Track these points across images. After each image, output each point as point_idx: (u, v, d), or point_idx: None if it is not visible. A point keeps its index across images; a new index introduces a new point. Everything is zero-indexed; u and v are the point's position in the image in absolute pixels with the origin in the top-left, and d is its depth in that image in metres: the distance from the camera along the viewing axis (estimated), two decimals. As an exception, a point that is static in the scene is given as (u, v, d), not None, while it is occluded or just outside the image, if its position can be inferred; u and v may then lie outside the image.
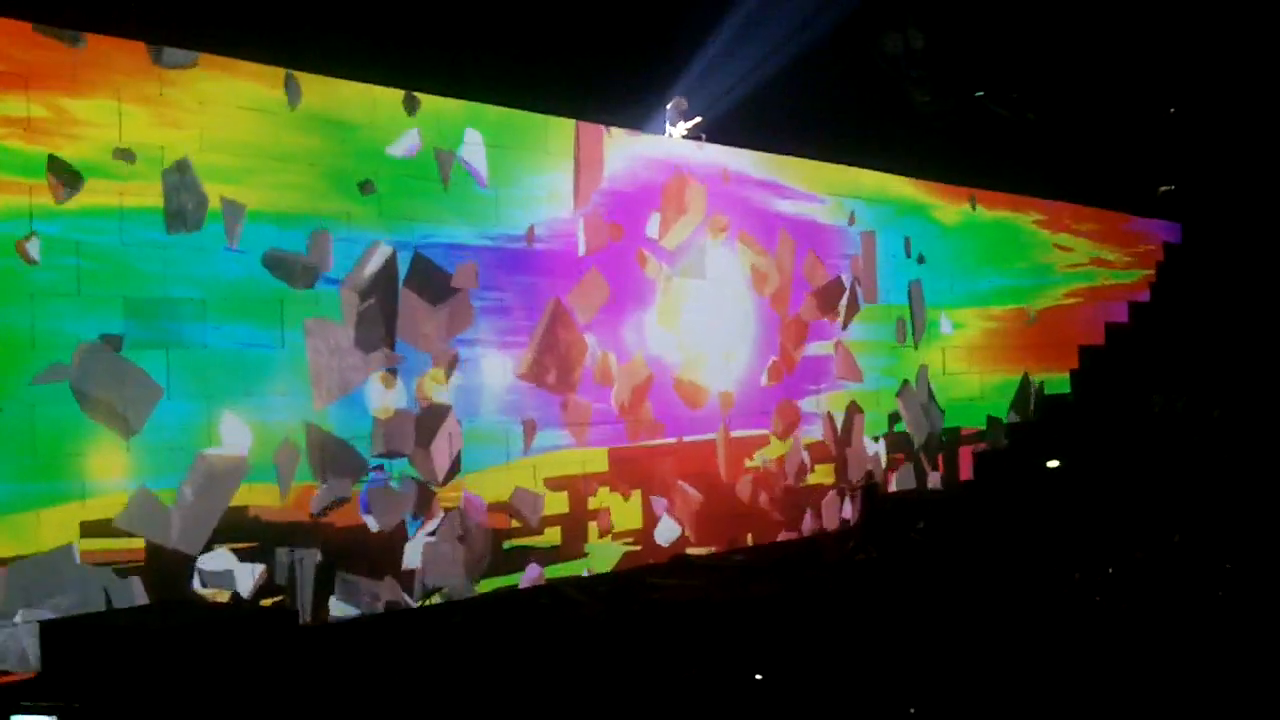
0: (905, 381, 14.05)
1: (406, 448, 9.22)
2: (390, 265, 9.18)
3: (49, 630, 6.13)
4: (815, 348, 12.89)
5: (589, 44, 11.23)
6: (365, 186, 9.07)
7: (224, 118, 8.31)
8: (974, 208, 15.31)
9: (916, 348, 14.26)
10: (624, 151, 11.10)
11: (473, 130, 9.81)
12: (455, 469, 9.53)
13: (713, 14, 12.57)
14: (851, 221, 13.49)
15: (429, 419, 9.38)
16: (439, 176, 9.56)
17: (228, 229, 8.24)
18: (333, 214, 8.88)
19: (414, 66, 9.58)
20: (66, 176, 7.46)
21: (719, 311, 11.91)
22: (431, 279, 9.45)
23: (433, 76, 9.65)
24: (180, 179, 8.00)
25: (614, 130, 11.01)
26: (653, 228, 11.30)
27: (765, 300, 12.40)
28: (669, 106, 11.90)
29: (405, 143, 9.35)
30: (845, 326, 13.26)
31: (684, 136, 11.86)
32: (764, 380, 12.27)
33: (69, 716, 5.42)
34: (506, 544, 9.86)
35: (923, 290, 14.34)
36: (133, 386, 7.74)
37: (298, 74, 8.76)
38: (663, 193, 11.42)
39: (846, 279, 13.31)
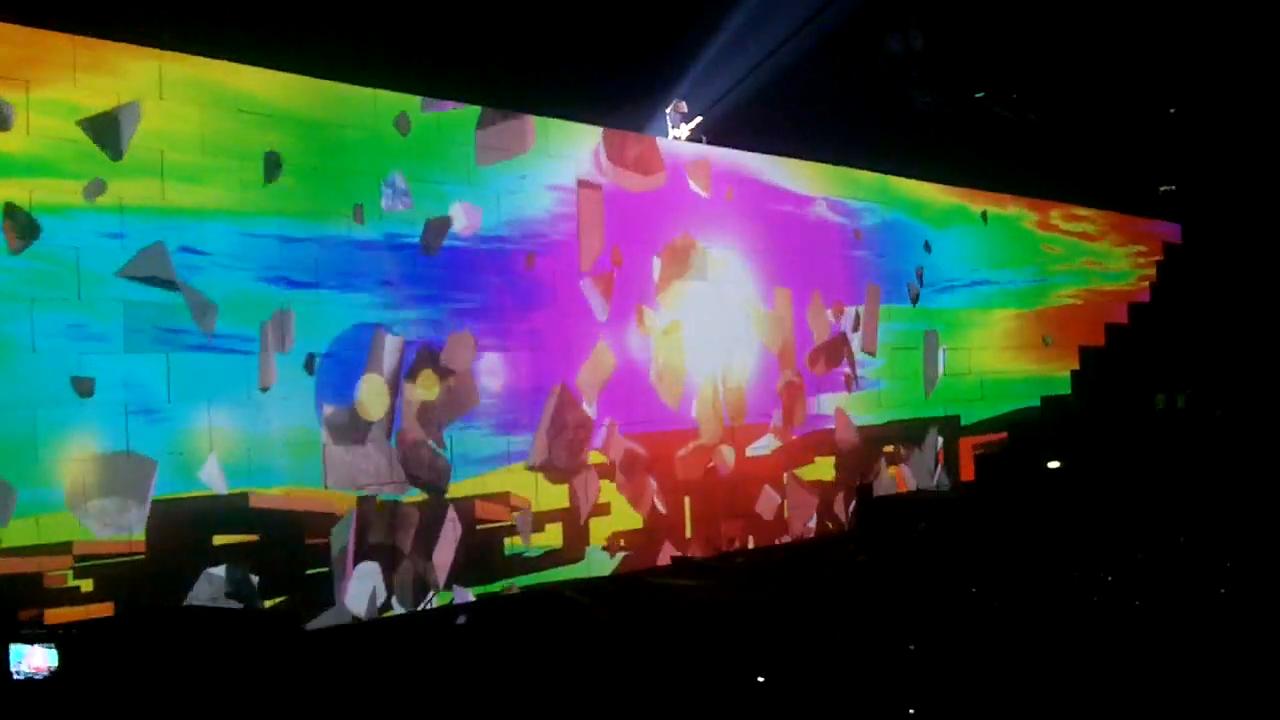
0: (914, 447, 14.08)
1: (405, 544, 9.16)
2: (397, 355, 9.17)
3: (66, 638, 6.14)
4: (820, 403, 12.82)
5: (592, 47, 11.22)
6: (358, 212, 9.06)
7: (220, 121, 8.33)
8: (985, 221, 15.34)
9: (928, 398, 14.27)
10: (626, 205, 11.03)
11: (460, 204, 9.72)
12: (456, 568, 9.51)
13: (713, 17, 12.55)
14: (858, 236, 13.51)
15: (431, 518, 9.35)
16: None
17: (197, 315, 8.10)
18: (332, 221, 8.91)
19: (412, 69, 9.59)
20: (22, 227, 7.36)
21: (721, 373, 11.82)
22: (432, 364, 9.42)
23: (431, 79, 9.66)
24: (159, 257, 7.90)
25: (615, 182, 10.95)
26: (655, 287, 11.23)
27: (771, 360, 12.33)
28: (669, 110, 11.90)
29: (396, 202, 9.31)
30: (855, 380, 13.24)
31: (687, 139, 11.86)
32: (768, 436, 12.23)
33: (67, 645, 5.45)
34: (507, 548, 9.88)
35: (937, 341, 14.36)
36: (129, 484, 7.69)
37: (295, 76, 8.79)
38: (666, 252, 11.37)
39: (849, 326, 13.24)
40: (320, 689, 6.79)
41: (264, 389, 8.39)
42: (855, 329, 13.33)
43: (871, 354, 13.46)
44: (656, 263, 11.28)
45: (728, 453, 11.77)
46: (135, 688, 5.64)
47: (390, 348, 9.15)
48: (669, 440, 11.28)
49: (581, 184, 10.67)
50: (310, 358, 8.66)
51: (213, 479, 8.09)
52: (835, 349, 13.09)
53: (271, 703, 6.11)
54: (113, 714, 5.53)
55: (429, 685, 7.13)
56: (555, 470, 10.26)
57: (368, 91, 9.24)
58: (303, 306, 8.66)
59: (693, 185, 11.74)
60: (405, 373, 9.25)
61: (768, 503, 12.14)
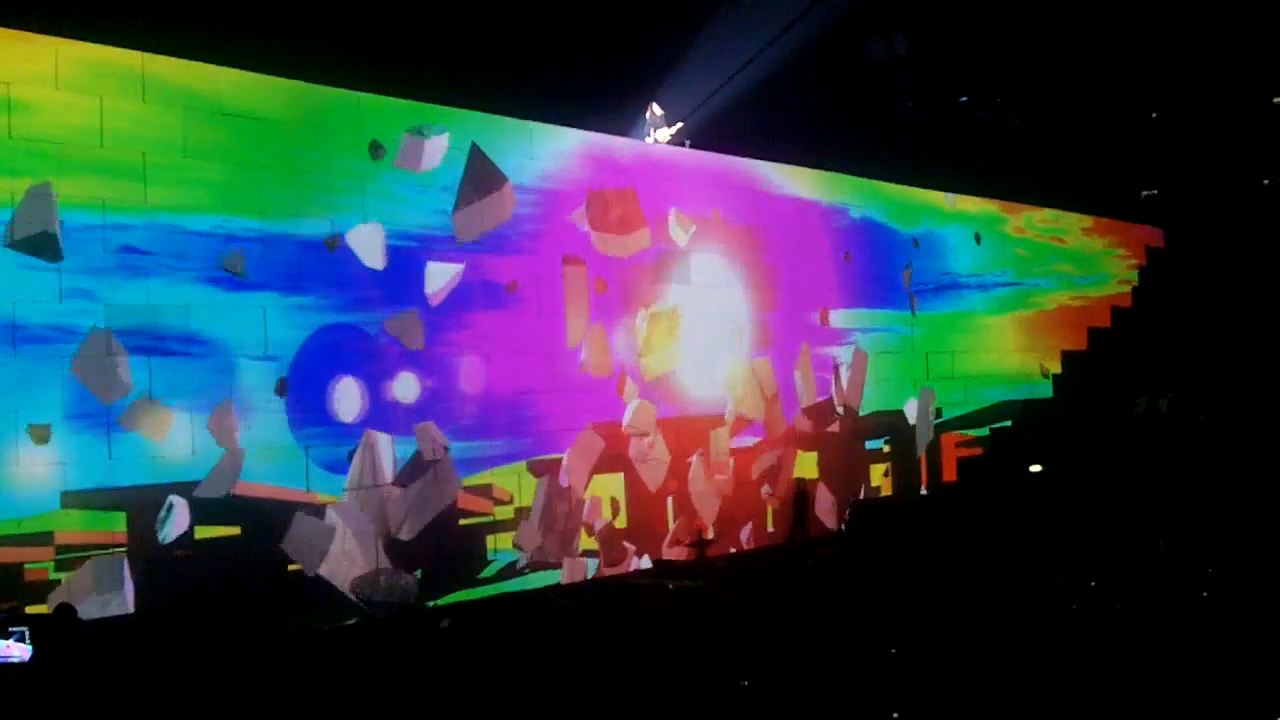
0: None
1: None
2: (387, 454, 9.18)
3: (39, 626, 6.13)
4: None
5: (574, 52, 11.22)
6: (332, 242, 9.02)
7: (205, 122, 8.33)
8: (979, 242, 15.48)
9: (920, 456, 14.31)
10: (607, 278, 10.97)
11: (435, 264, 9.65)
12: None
13: (698, 22, 12.57)
14: (847, 259, 13.55)
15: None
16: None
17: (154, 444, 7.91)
18: (310, 224, 8.93)
19: (398, 71, 9.58)
20: None
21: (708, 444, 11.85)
22: (415, 469, 9.39)
23: (418, 82, 9.65)
24: (106, 351, 7.73)
25: (599, 248, 10.92)
26: (638, 355, 11.21)
27: (757, 429, 12.37)
28: (647, 114, 11.91)
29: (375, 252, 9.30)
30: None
31: (668, 142, 11.88)
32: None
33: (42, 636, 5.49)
34: (489, 549, 9.88)
35: (932, 399, 14.45)
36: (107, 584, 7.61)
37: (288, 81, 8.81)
38: (649, 322, 11.33)
39: (839, 374, 13.25)
40: (310, 690, 6.79)
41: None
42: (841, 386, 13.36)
43: (855, 410, 13.47)
44: (640, 326, 11.27)
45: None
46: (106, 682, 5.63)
47: (383, 447, 9.14)
48: (654, 525, 11.30)
49: (566, 260, 10.60)
50: (282, 382, 8.59)
51: (179, 526, 8.01)
52: (823, 413, 13.12)
53: (256, 704, 6.09)
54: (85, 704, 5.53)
55: (415, 687, 7.11)
56: (547, 563, 10.30)
57: (348, 97, 9.22)
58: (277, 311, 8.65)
59: (674, 236, 11.64)
60: (394, 476, 9.22)
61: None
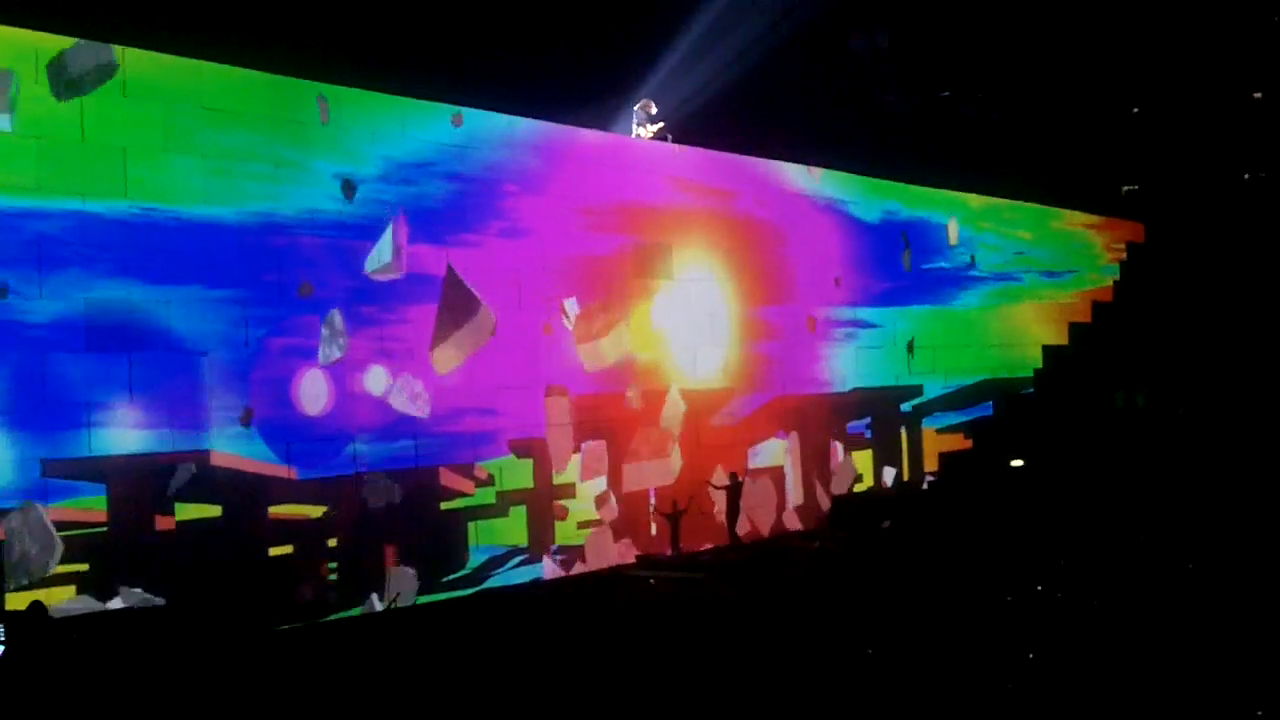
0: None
1: None
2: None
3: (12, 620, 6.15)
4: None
5: (558, 45, 11.21)
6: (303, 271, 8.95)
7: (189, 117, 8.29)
8: (973, 261, 15.56)
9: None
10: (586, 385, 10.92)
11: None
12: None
13: (680, 17, 12.56)
14: (837, 283, 13.61)
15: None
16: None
17: None
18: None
19: (382, 64, 9.57)
20: None
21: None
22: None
23: (401, 77, 9.65)
24: (24, 521, 7.43)
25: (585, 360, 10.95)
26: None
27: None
28: (636, 108, 11.90)
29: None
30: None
31: (651, 138, 11.86)
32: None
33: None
34: (473, 543, 9.89)
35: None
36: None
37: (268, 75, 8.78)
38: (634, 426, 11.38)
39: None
40: (289, 687, 6.80)
41: None
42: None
43: (842, 486, 13.56)
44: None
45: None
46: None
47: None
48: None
49: (549, 390, 10.55)
50: (247, 411, 8.50)
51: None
52: (810, 511, 13.17)
53: (231, 700, 6.11)
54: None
55: (396, 683, 7.12)
56: None
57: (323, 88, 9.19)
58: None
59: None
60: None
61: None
